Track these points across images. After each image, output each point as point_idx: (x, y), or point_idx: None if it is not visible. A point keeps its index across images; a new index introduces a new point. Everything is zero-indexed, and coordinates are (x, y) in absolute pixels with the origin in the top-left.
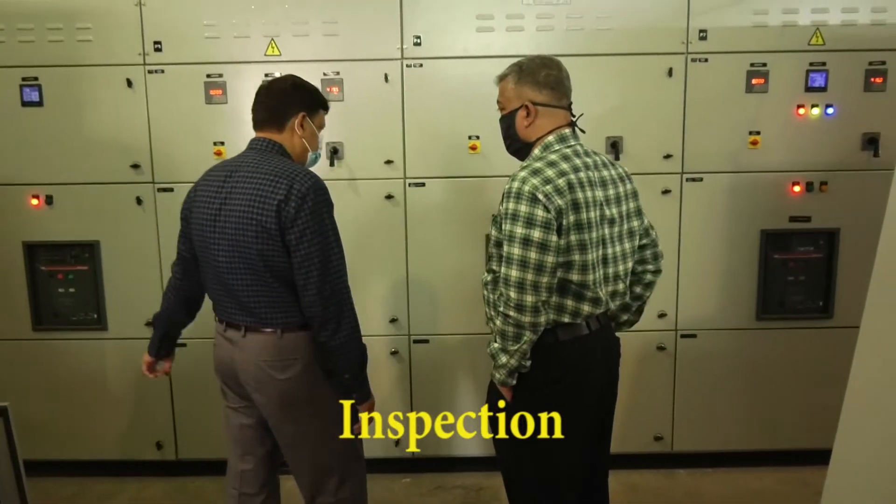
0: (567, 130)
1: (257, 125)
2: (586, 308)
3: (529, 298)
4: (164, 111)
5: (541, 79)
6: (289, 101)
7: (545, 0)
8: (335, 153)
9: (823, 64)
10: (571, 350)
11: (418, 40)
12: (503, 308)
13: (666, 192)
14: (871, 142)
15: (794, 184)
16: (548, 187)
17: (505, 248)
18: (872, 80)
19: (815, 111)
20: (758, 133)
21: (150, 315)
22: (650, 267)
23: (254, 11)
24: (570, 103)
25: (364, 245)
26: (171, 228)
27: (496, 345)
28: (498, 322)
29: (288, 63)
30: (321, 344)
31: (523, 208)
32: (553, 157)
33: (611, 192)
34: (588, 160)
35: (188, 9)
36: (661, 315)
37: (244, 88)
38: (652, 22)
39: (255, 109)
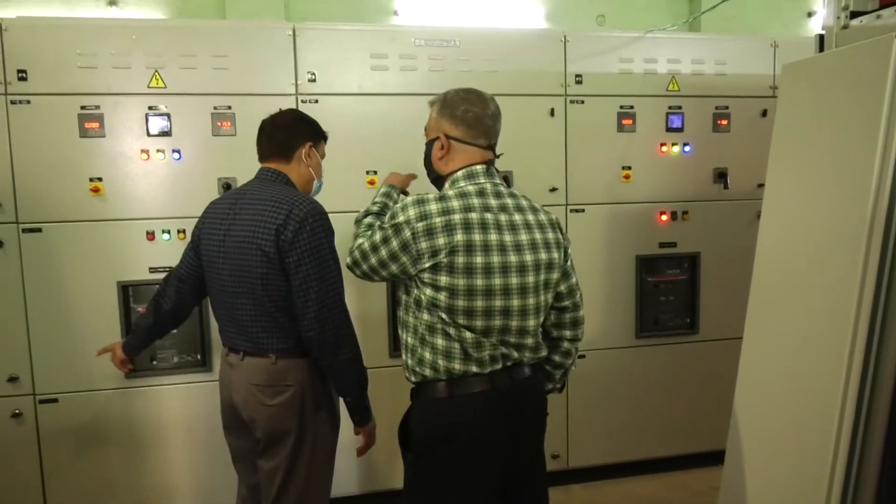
0: (479, 167)
1: (263, 157)
2: (474, 354)
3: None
4: (30, 145)
5: (458, 113)
6: (295, 133)
7: (436, 43)
8: (228, 189)
9: (680, 107)
10: (463, 406)
11: (313, 76)
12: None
13: None
14: (720, 176)
15: (662, 213)
16: (420, 224)
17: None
18: (719, 122)
19: (675, 149)
20: (629, 168)
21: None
22: (567, 333)
23: (135, 42)
24: (491, 143)
25: None
26: (39, 271)
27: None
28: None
29: (174, 96)
30: (322, 368)
31: (388, 231)
32: (451, 192)
33: (523, 237)
34: (494, 202)
35: (58, 36)
36: None
37: (124, 121)
38: (534, 66)
39: (260, 142)
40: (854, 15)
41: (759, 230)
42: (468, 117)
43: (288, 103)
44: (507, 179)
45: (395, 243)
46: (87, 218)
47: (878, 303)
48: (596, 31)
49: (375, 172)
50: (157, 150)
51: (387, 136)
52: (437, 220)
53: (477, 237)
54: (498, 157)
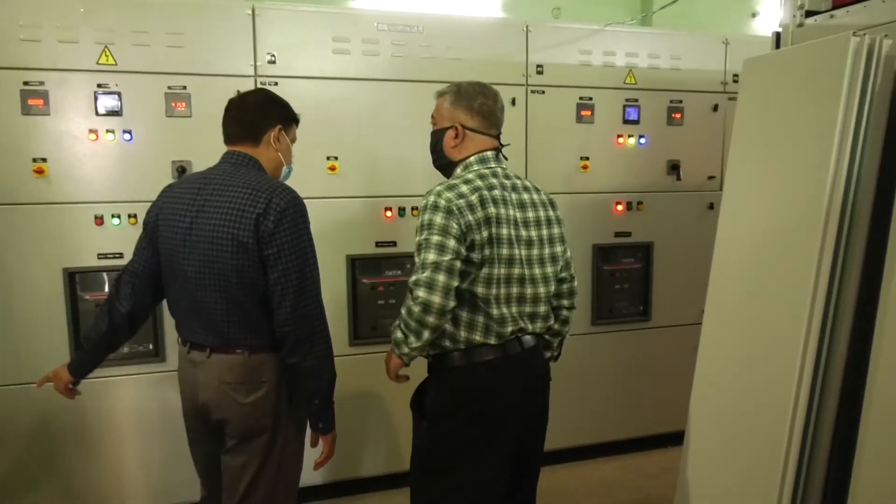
0: (489, 153)
1: (230, 139)
2: (495, 327)
3: (438, 300)
4: None
5: (475, 106)
6: (264, 114)
7: (399, 28)
8: (182, 172)
9: (636, 100)
10: (483, 373)
11: (273, 58)
12: (411, 304)
13: None
14: (674, 168)
15: (618, 203)
16: (461, 202)
17: (420, 255)
18: (673, 115)
19: (631, 140)
20: (587, 158)
21: None
22: (565, 302)
23: (83, 15)
24: (499, 133)
25: None
26: None
27: (399, 335)
28: (403, 313)
29: (125, 73)
30: (291, 366)
31: (439, 219)
32: (470, 175)
33: (530, 214)
34: (507, 182)
35: None
36: None
37: (71, 99)
38: (496, 55)
39: (226, 123)
40: (809, 14)
41: (719, 220)
42: (483, 109)
43: (246, 84)
44: None
45: (453, 224)
46: (30, 201)
47: (832, 291)
48: (557, 23)
49: (336, 158)
50: (107, 131)
51: (349, 121)
52: (473, 197)
53: (502, 211)
54: (505, 145)
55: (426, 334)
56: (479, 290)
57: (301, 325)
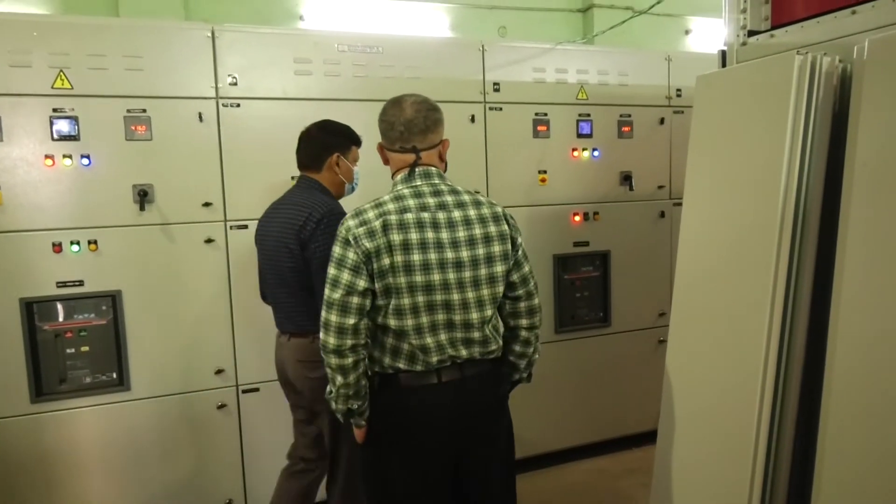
0: (418, 169)
1: (299, 166)
2: (420, 355)
3: (332, 340)
4: None
5: (381, 124)
6: (324, 145)
7: (359, 49)
8: (144, 196)
9: (588, 115)
10: (408, 401)
11: (234, 80)
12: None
13: None
14: (626, 178)
15: (575, 214)
16: (360, 229)
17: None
18: (623, 129)
19: (586, 154)
20: (545, 172)
21: None
22: (523, 322)
23: (36, 38)
24: (412, 146)
25: (182, 294)
26: None
27: (329, 386)
28: None
29: (82, 97)
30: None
31: (337, 250)
32: (387, 196)
33: (461, 234)
34: (434, 200)
35: None
36: None
37: (25, 124)
38: (454, 74)
39: (297, 152)
40: (751, 33)
41: (681, 226)
42: (382, 126)
43: (208, 107)
44: None
45: (349, 254)
46: None
47: (789, 290)
48: (510, 42)
49: None
50: (64, 156)
51: None
52: (376, 224)
53: (413, 236)
54: (419, 156)
55: (339, 378)
56: (392, 322)
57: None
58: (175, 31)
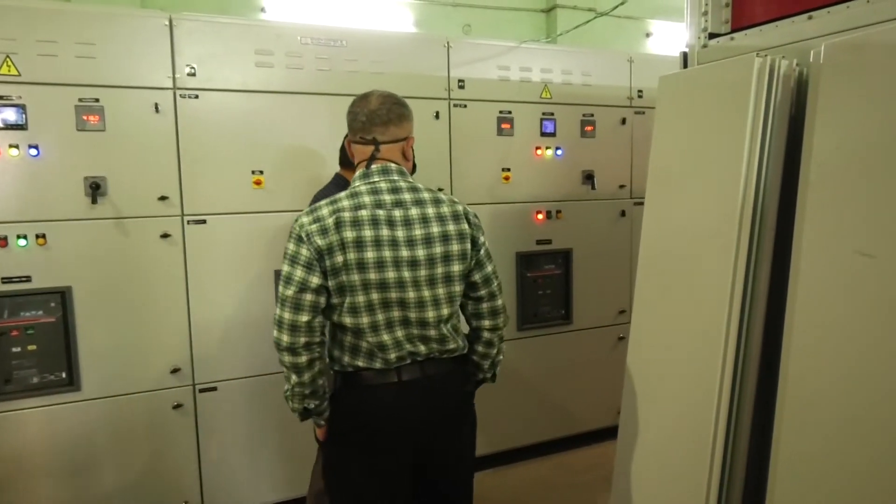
0: (374, 167)
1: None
2: (378, 353)
3: (285, 338)
4: None
5: (347, 117)
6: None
7: (322, 42)
8: (96, 189)
9: (552, 114)
10: (369, 399)
11: (192, 70)
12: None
13: None
14: (588, 177)
15: (538, 212)
16: (313, 226)
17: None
18: (586, 128)
19: (549, 152)
20: (509, 170)
21: None
22: (486, 323)
23: None
24: (373, 138)
25: (137, 290)
26: None
27: (285, 384)
28: None
29: (30, 85)
30: None
31: (291, 247)
32: (343, 192)
33: (418, 232)
34: (390, 197)
35: None
36: None
37: None
38: (419, 69)
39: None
40: (712, 36)
41: (643, 225)
42: (349, 118)
43: (165, 97)
44: None
45: (302, 251)
46: None
47: (747, 288)
48: (475, 39)
49: (262, 172)
50: (10, 146)
51: (274, 134)
52: (329, 221)
53: (367, 233)
54: (378, 148)
55: (294, 377)
56: (347, 320)
57: None
58: (131, 18)
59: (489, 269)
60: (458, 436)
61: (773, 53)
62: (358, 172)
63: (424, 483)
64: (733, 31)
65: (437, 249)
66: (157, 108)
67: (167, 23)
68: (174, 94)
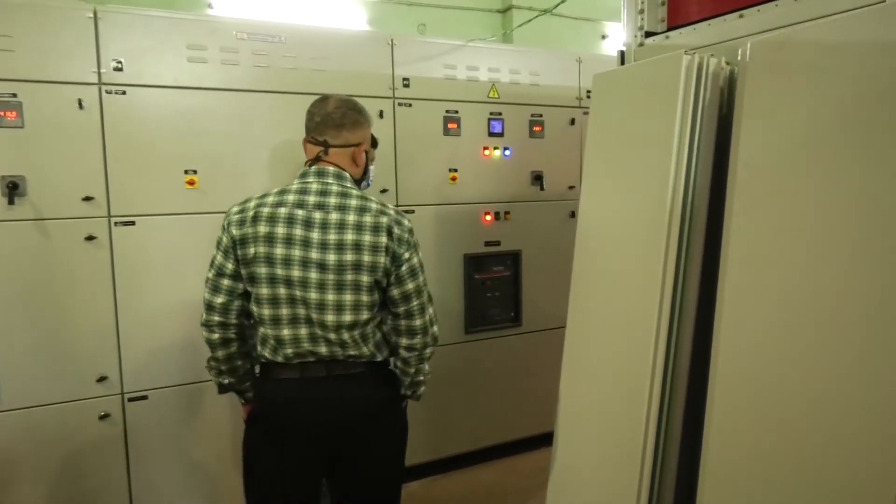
0: (312, 168)
1: None
2: (279, 347)
3: (203, 315)
4: None
5: (306, 115)
6: None
7: (260, 37)
8: (14, 189)
9: (500, 114)
10: (274, 390)
11: (119, 65)
12: None
13: None
14: (537, 178)
15: (486, 213)
16: (236, 216)
17: None
18: (534, 128)
19: (497, 153)
20: (456, 170)
21: None
22: (402, 341)
23: None
24: (323, 140)
25: (59, 295)
26: None
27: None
28: None
29: None
30: None
31: (219, 232)
32: (278, 188)
33: (332, 237)
34: (315, 199)
35: None
36: None
37: None
38: (362, 67)
39: None
40: (648, 34)
41: (577, 226)
42: (306, 118)
43: (90, 93)
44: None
45: (224, 237)
46: None
47: (677, 289)
48: (421, 37)
49: (195, 172)
50: None
51: (208, 133)
52: (249, 213)
53: (280, 230)
54: (326, 150)
55: (210, 351)
56: (255, 310)
57: None
58: (51, 9)
59: (410, 286)
60: (368, 443)
61: (707, 52)
62: (301, 171)
63: (338, 485)
64: (669, 29)
65: (349, 257)
66: (80, 104)
67: (91, 14)
68: (100, 89)
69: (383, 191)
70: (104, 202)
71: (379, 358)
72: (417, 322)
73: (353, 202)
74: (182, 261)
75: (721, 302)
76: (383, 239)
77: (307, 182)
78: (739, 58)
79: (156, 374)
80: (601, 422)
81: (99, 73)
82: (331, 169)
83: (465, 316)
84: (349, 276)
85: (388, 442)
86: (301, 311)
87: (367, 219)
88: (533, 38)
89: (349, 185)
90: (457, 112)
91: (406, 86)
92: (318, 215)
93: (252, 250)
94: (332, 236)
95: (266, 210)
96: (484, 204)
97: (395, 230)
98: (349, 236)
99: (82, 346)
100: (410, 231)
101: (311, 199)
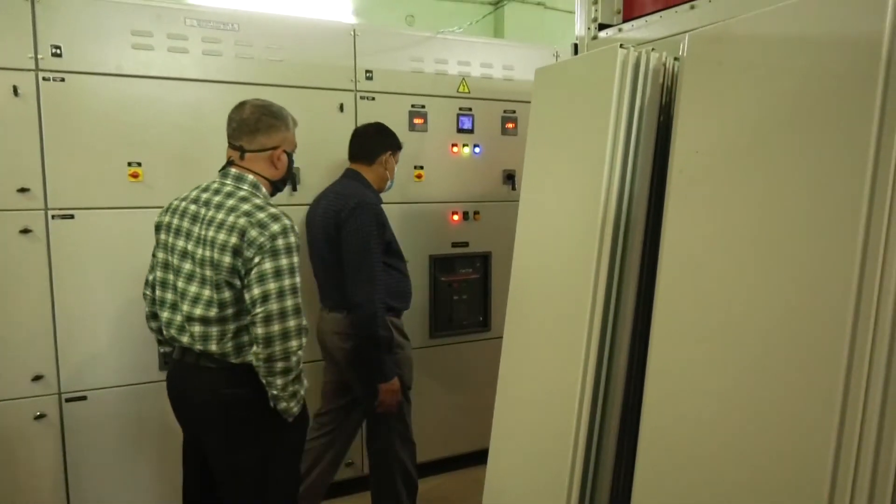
0: (221, 170)
1: (351, 157)
2: (166, 330)
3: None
4: None
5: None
6: (380, 143)
7: (211, 24)
8: None
9: (470, 109)
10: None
11: (58, 51)
12: None
13: None
14: (509, 177)
15: (454, 213)
16: (165, 206)
17: None
18: (507, 125)
19: (466, 150)
20: (422, 167)
21: None
22: (257, 349)
23: None
24: (238, 144)
25: None
26: None
27: None
28: None
29: None
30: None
31: None
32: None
33: (202, 232)
34: (204, 196)
35: None
36: None
37: None
38: (322, 58)
39: (350, 145)
40: (602, 27)
41: (516, 228)
42: (226, 124)
43: (26, 79)
44: (293, 177)
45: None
46: None
47: (610, 303)
48: (386, 28)
49: (140, 164)
50: None
51: (154, 124)
52: (171, 205)
53: (175, 221)
54: (242, 155)
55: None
56: (156, 291)
57: (356, 291)
58: None
59: (256, 291)
60: (219, 442)
61: (660, 46)
62: None
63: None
64: (624, 21)
65: (207, 253)
66: (15, 91)
67: None
68: (37, 76)
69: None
70: (41, 194)
71: (234, 360)
72: (259, 331)
73: (230, 202)
74: (124, 257)
75: (655, 310)
76: (232, 239)
77: (211, 181)
78: (680, 52)
79: (96, 374)
80: (534, 428)
81: (36, 59)
82: (233, 171)
83: (430, 319)
84: (207, 272)
85: (238, 445)
86: (169, 296)
87: (230, 218)
88: (527, 33)
89: (244, 187)
90: (423, 107)
91: (369, 78)
92: (203, 211)
93: (160, 236)
94: (202, 232)
95: (175, 203)
96: (452, 203)
97: (252, 232)
98: (211, 233)
99: (15, 343)
100: (274, 237)
101: (204, 196)
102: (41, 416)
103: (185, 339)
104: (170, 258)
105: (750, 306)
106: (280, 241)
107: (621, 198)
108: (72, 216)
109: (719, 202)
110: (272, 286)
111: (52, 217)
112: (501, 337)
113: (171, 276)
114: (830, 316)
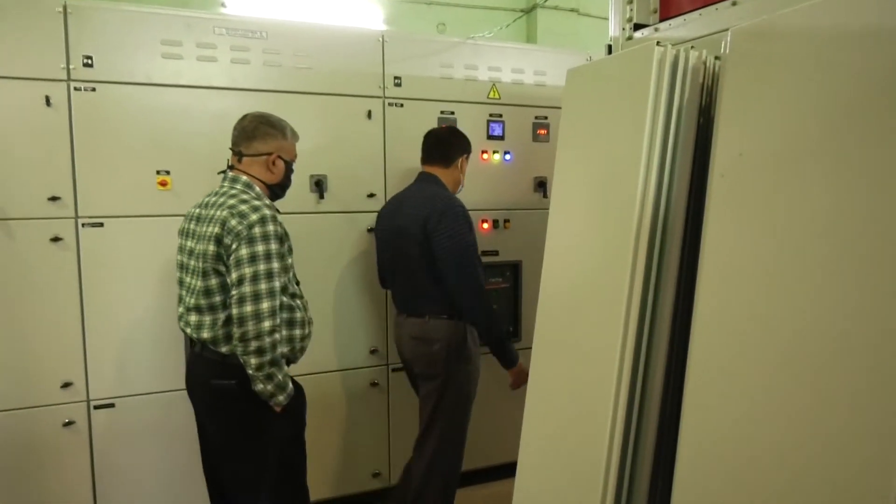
0: (230, 173)
1: (425, 161)
2: (181, 325)
3: None
4: None
5: None
6: (457, 147)
7: (240, 33)
8: None
9: (500, 116)
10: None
11: (90, 61)
12: None
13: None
14: (540, 185)
15: (484, 221)
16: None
17: None
18: (539, 131)
19: (496, 157)
20: None
21: None
22: (234, 330)
23: None
24: (238, 149)
25: (22, 298)
26: None
27: None
28: None
29: None
30: (472, 323)
31: None
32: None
33: (199, 228)
34: (211, 199)
35: None
36: (373, 351)
37: None
38: (350, 65)
39: (425, 148)
40: (637, 27)
41: (546, 238)
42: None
43: (58, 89)
44: (319, 184)
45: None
46: None
47: (645, 315)
48: (416, 35)
49: (168, 172)
50: None
51: (182, 132)
52: (189, 211)
53: (186, 225)
54: (240, 159)
55: None
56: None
57: (464, 292)
58: (19, 3)
59: (233, 275)
60: (214, 426)
61: (698, 45)
62: None
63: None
64: (661, 20)
65: (200, 247)
66: (48, 101)
67: (61, 9)
68: (68, 86)
69: (371, 195)
70: (71, 202)
71: (223, 349)
72: (234, 311)
73: (222, 199)
74: (153, 264)
75: (694, 322)
76: (214, 229)
77: (218, 186)
78: (722, 50)
79: (124, 381)
80: (563, 452)
81: (68, 70)
82: (230, 174)
83: None
84: (200, 263)
85: (228, 431)
86: (182, 291)
87: (217, 213)
88: (558, 38)
89: (238, 186)
90: (453, 113)
91: (398, 85)
92: (204, 212)
93: (179, 241)
94: (199, 228)
95: (192, 209)
96: (481, 211)
97: (231, 222)
98: (204, 228)
99: (46, 350)
100: (251, 226)
101: (210, 198)
102: (70, 423)
103: (189, 330)
104: (183, 259)
105: (804, 320)
106: (257, 230)
107: (658, 204)
108: (101, 224)
109: (767, 207)
110: (247, 270)
111: (83, 225)
112: (531, 347)
113: (183, 275)
114: None
